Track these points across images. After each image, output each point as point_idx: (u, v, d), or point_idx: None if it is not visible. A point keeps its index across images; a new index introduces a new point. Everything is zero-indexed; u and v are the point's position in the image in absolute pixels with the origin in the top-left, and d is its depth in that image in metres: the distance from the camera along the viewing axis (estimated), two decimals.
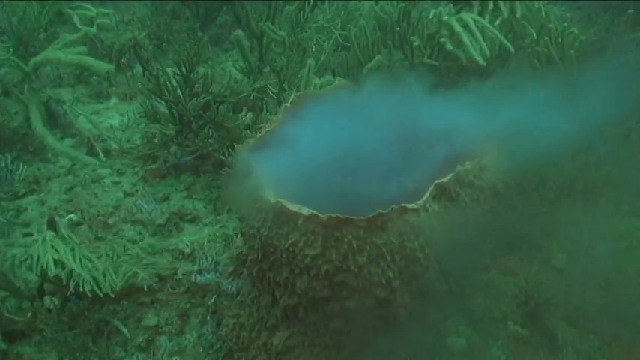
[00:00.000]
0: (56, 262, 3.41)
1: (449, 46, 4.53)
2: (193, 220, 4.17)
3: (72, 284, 3.34)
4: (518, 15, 4.67)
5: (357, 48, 4.55)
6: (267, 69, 4.79)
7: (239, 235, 4.05)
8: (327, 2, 5.85)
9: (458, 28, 4.41)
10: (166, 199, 4.28)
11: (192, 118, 4.31)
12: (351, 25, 4.79)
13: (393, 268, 2.61)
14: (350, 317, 2.77)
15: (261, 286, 3.07)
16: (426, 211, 2.59)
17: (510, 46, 4.50)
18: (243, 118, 4.60)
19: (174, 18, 5.85)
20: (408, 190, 2.96)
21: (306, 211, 2.55)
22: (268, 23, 4.69)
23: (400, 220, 2.55)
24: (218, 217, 4.20)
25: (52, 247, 3.51)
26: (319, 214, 2.52)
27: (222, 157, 4.15)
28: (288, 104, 3.01)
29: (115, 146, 4.61)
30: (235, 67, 5.14)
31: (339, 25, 5.56)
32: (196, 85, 4.35)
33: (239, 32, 4.84)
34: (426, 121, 3.03)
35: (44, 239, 3.52)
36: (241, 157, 2.83)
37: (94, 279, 3.38)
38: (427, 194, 2.60)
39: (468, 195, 2.76)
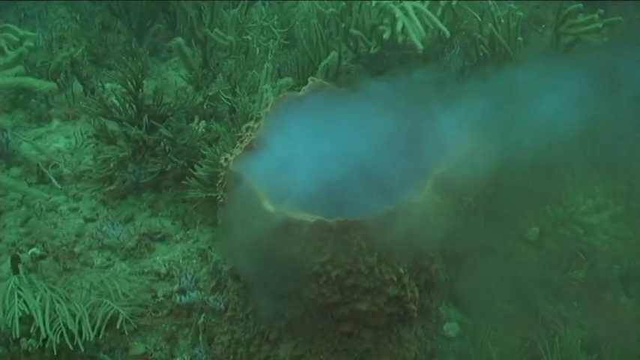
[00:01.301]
0: (24, 316, 3.21)
1: (387, 34, 4.50)
2: (163, 239, 4.02)
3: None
4: (454, 2, 4.72)
5: (307, 46, 4.49)
6: (218, 75, 4.65)
7: (212, 249, 3.97)
8: (259, 2, 5.75)
9: (398, 13, 4.39)
10: (130, 219, 4.10)
11: (145, 138, 4.14)
12: (300, 24, 4.73)
13: (402, 265, 2.61)
14: (360, 319, 2.75)
15: None
16: (429, 203, 2.60)
17: (446, 30, 4.50)
18: (197, 127, 4.46)
19: (105, 31, 5.59)
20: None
21: (310, 217, 2.50)
22: (217, 30, 4.56)
23: (406, 216, 2.54)
24: (188, 232, 4.06)
25: (20, 297, 3.29)
26: (326, 220, 2.47)
27: (185, 181, 3.99)
28: (269, 109, 2.94)
29: (67, 171, 4.37)
30: (182, 77, 4.97)
31: (275, 24, 5.48)
32: (146, 101, 4.20)
33: (179, 40, 4.68)
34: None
35: (10, 288, 3.30)
36: (231, 170, 2.73)
37: (67, 330, 3.18)
38: (428, 186, 2.61)
39: (462, 182, 2.79)
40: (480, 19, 4.78)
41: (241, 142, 2.98)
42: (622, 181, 3.95)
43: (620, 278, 3.89)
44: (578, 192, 3.75)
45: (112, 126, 4.20)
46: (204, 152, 3.90)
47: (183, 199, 4.19)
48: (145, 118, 4.08)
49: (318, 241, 2.51)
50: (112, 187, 4.23)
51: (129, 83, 3.97)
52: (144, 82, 4.18)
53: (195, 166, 3.90)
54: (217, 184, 3.02)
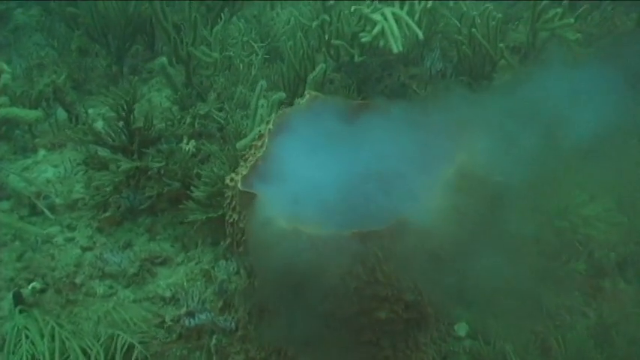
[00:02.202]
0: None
1: (366, 38, 4.51)
2: (165, 262, 3.98)
3: None
4: (429, 5, 4.74)
5: (295, 59, 4.51)
6: (210, 93, 4.64)
7: (216, 269, 3.95)
8: (234, 17, 5.75)
9: (378, 18, 4.40)
10: (129, 245, 4.06)
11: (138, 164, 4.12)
12: (285, 37, 4.75)
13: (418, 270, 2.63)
14: (379, 327, 2.76)
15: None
16: (440, 208, 2.63)
17: (419, 32, 4.51)
18: (187, 148, 4.44)
19: (83, 56, 5.53)
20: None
21: (325, 231, 2.51)
22: (202, 47, 4.55)
23: (420, 222, 2.56)
24: (189, 254, 4.03)
25: (27, 337, 3.24)
26: (341, 232, 2.48)
27: (182, 205, 3.97)
28: (272, 126, 2.94)
29: (58, 201, 4.31)
30: (166, 97, 4.95)
31: (254, 38, 5.49)
32: (136, 125, 4.18)
33: (163, 59, 4.66)
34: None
35: (16, 328, 3.26)
36: (240, 189, 2.73)
37: None
38: (437, 192, 2.64)
39: (468, 186, 2.83)
40: (458, 22, 4.85)
41: (245, 160, 2.98)
42: (612, 170, 4.03)
43: (617, 265, 3.98)
44: (572, 184, 3.82)
45: (102, 152, 4.17)
46: (200, 172, 3.88)
47: (180, 221, 4.17)
48: (136, 144, 4.06)
49: (334, 254, 2.52)
50: (107, 214, 4.18)
51: (120, 109, 3.94)
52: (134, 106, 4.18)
53: (192, 188, 3.88)
54: (225, 205, 3.01)
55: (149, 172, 4.17)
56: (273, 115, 3.06)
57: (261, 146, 2.90)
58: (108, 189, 4.10)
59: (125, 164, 4.02)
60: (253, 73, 5.00)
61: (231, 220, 2.90)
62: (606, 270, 3.92)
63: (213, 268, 3.90)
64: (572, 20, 4.63)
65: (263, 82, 3.82)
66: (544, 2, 4.64)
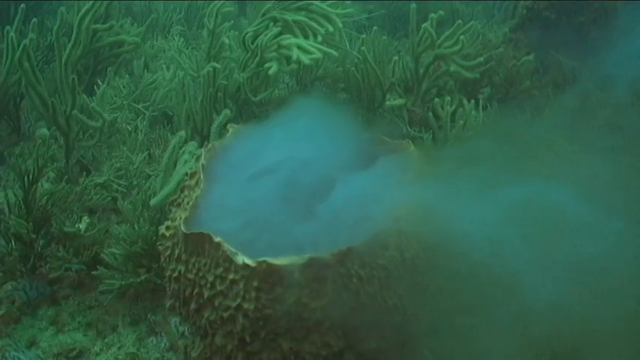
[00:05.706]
0: None
1: (274, 69, 4.28)
2: (81, 355, 3.39)
3: None
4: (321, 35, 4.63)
5: (195, 108, 4.21)
6: (104, 163, 4.19)
7: (142, 350, 3.43)
8: (117, 77, 5.35)
9: (289, 41, 4.19)
10: (34, 343, 3.43)
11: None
12: (176, 91, 4.45)
13: (402, 286, 2.37)
14: (369, 358, 2.44)
15: None
16: (412, 216, 2.41)
17: (334, 52, 4.38)
18: (80, 226, 3.95)
19: None
20: None
21: (299, 259, 2.19)
22: (93, 105, 4.11)
23: (396, 233, 2.33)
24: (107, 340, 3.47)
25: None
26: (320, 255, 2.18)
27: (95, 271, 3.47)
28: (204, 161, 2.60)
29: None
30: (47, 178, 4.40)
31: (136, 100, 5.12)
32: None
33: (44, 131, 4.18)
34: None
35: None
36: (186, 232, 2.34)
37: None
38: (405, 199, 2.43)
39: None
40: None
41: (179, 205, 2.60)
42: None
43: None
44: None
45: None
46: (117, 232, 3.44)
47: (89, 305, 3.63)
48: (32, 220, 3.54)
49: (314, 283, 2.20)
50: (1, 313, 3.54)
51: (26, 177, 3.43)
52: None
53: (107, 250, 3.42)
54: (162, 261, 2.59)
55: (45, 254, 3.63)
56: (202, 150, 2.72)
57: (197, 184, 2.54)
58: None
59: (15, 219, 3.46)
60: (140, 137, 4.60)
61: (175, 274, 2.48)
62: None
63: (138, 349, 3.39)
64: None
65: (182, 133, 3.47)
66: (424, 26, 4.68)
